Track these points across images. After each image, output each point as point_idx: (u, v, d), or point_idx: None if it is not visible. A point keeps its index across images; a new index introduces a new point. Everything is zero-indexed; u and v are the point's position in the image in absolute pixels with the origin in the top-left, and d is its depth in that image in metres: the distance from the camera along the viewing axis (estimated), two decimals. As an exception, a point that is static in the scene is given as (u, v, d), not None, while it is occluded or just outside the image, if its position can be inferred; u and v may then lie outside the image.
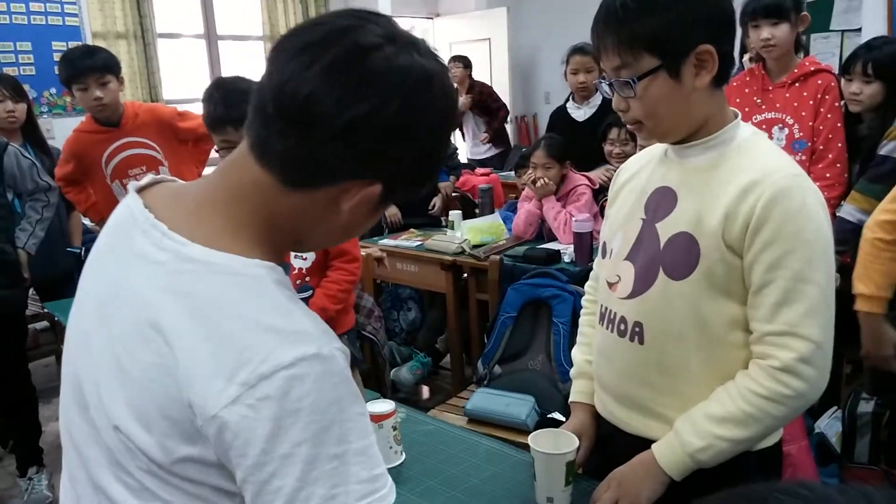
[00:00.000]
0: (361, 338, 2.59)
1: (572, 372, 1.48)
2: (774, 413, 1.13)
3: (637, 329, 1.23)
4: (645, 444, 1.22)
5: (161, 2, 5.40)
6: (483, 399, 2.47)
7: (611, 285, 1.30)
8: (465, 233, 3.30)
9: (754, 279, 1.12)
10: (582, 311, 1.53)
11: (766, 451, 1.22)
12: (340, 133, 0.72)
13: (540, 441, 1.28)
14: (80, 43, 4.58)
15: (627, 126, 1.23)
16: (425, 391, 3.61)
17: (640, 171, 1.32)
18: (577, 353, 1.49)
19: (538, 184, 3.11)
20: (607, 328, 1.30)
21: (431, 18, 7.44)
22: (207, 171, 3.37)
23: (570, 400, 1.46)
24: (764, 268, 1.11)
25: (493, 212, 3.74)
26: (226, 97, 1.82)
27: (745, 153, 1.16)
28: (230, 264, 0.74)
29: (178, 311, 0.72)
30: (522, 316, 2.65)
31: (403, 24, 6.00)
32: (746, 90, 2.63)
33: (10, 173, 2.71)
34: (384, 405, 1.46)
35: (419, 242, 3.42)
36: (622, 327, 1.26)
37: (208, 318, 0.72)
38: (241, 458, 0.70)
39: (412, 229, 3.69)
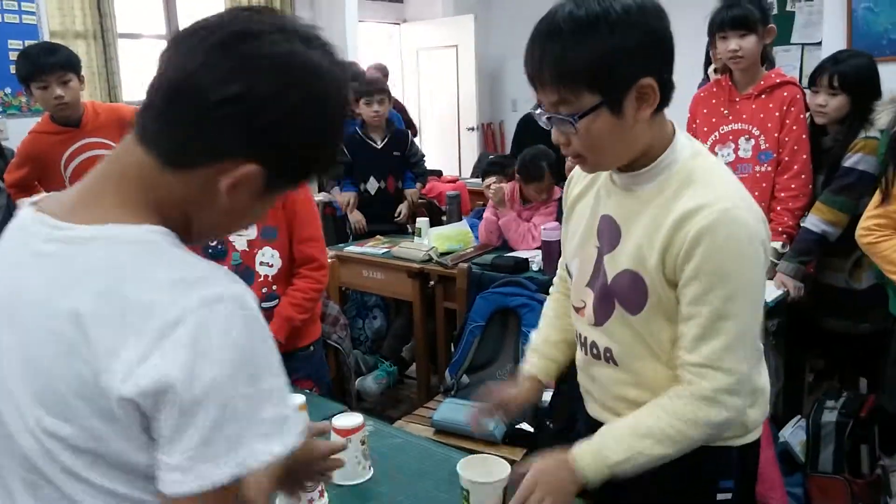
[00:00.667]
0: (326, 347, 2.53)
1: (527, 348, 1.50)
2: (692, 435, 1.15)
3: (608, 354, 1.27)
4: None
5: (122, 1, 5.28)
6: (450, 409, 2.43)
7: (577, 310, 1.32)
8: (433, 240, 3.27)
9: (681, 310, 1.15)
10: (547, 300, 1.54)
11: (745, 447, 1.26)
12: (215, 109, 0.73)
13: (470, 468, 1.24)
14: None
15: (568, 159, 1.20)
16: (390, 401, 3.56)
17: (589, 186, 1.31)
18: (535, 334, 1.50)
19: (492, 189, 3.16)
20: (582, 350, 1.34)
21: (398, 24, 7.41)
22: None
23: (521, 371, 1.47)
24: (686, 301, 1.13)
25: (460, 219, 3.71)
26: None
27: (683, 182, 1.14)
28: (122, 234, 0.75)
29: (80, 295, 0.72)
30: (491, 325, 2.63)
31: (370, 29, 5.91)
32: (713, 101, 2.65)
33: None
34: (352, 419, 1.42)
35: (386, 250, 3.38)
36: (595, 351, 1.30)
37: (110, 291, 0.72)
38: (156, 405, 0.70)
39: (378, 236, 3.64)
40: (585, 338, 1.31)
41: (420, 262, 3.15)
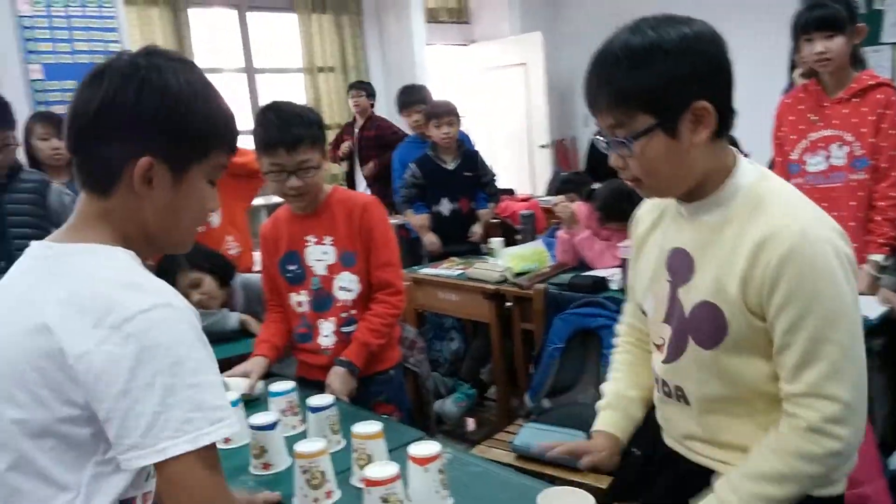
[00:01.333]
0: (405, 371, 2.52)
1: (598, 403, 1.44)
2: (807, 471, 1.09)
3: (679, 392, 1.25)
4: (707, 471, 1.22)
5: (202, 39, 5.50)
6: (531, 434, 2.37)
7: (657, 347, 1.29)
8: (507, 260, 3.22)
9: (775, 340, 1.10)
10: (614, 350, 1.50)
11: (828, 501, 1.17)
12: (94, 125, 0.92)
13: (551, 502, 1.19)
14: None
15: (627, 183, 1.18)
16: (471, 423, 3.51)
17: (657, 222, 1.29)
18: (606, 385, 1.46)
19: (559, 208, 3.09)
20: (656, 390, 1.32)
21: (466, 45, 7.45)
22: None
23: (592, 429, 1.42)
24: (782, 330, 1.08)
25: (534, 238, 3.66)
26: (280, 119, 1.86)
27: (753, 207, 1.11)
28: (89, 247, 0.93)
29: (56, 290, 0.89)
30: (570, 347, 2.55)
31: (439, 51, 5.93)
32: (801, 107, 2.52)
33: (54, 210, 2.74)
34: (429, 447, 1.38)
35: (460, 271, 3.35)
36: (666, 389, 1.27)
37: (76, 288, 0.88)
38: (108, 387, 0.85)
39: (452, 258, 3.62)
40: (658, 376, 1.28)
41: (495, 283, 3.11)
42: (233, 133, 1.02)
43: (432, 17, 6.95)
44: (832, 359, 1.05)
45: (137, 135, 0.93)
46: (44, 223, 2.70)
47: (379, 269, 2.04)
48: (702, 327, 1.15)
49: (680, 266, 1.20)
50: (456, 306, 3.34)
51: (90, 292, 0.87)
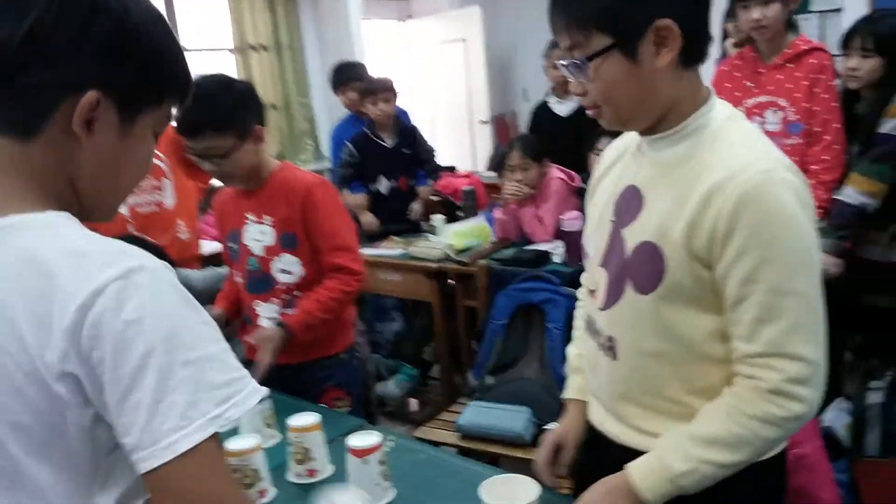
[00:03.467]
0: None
1: (567, 368, 1.37)
2: (768, 435, 1.01)
3: (609, 344, 1.14)
4: (637, 454, 1.10)
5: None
6: (476, 413, 2.33)
7: (592, 293, 1.20)
8: (449, 237, 3.16)
9: (729, 293, 1.00)
10: (577, 304, 1.41)
11: (766, 463, 1.08)
12: (19, 56, 0.72)
13: (494, 491, 1.14)
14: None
15: (588, 112, 1.10)
16: (413, 404, 3.46)
17: (615, 163, 1.21)
18: (570, 349, 1.38)
19: (510, 192, 2.97)
20: (592, 338, 1.21)
21: (404, 21, 7.31)
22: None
23: (563, 396, 1.35)
24: (738, 281, 0.99)
25: (476, 214, 3.60)
26: (188, 103, 1.73)
27: (715, 147, 1.03)
28: (25, 222, 0.74)
29: (5, 289, 0.71)
30: (514, 322, 2.51)
31: (375, 26, 5.80)
32: (737, 74, 2.51)
33: None
34: (369, 438, 1.31)
35: (401, 251, 3.27)
36: (600, 339, 1.18)
37: (24, 278, 0.71)
38: (100, 377, 0.69)
39: (393, 237, 3.55)
40: (596, 322, 1.18)
41: (438, 261, 3.05)
42: (188, 78, 0.86)
43: (367, -9, 6.79)
44: (794, 313, 0.97)
45: (83, 64, 0.74)
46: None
47: (329, 253, 1.92)
48: (641, 270, 1.07)
49: (628, 205, 1.11)
50: (398, 287, 3.27)
51: (46, 278, 0.70)
